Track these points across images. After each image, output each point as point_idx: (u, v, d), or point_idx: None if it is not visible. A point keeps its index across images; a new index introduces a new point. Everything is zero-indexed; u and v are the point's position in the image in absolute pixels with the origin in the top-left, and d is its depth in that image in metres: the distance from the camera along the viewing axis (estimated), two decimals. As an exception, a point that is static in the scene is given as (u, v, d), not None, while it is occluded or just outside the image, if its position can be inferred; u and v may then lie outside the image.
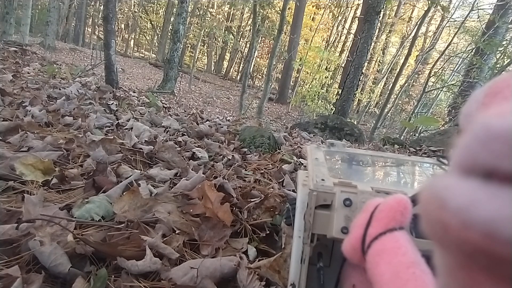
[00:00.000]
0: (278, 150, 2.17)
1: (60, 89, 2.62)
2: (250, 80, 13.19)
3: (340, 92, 6.45)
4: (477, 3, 7.93)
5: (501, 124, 0.13)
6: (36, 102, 1.96)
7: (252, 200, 1.18)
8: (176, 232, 0.89)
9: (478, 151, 0.13)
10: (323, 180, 0.53)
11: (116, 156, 1.35)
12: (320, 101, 10.80)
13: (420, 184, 0.69)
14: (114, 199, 0.97)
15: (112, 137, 1.45)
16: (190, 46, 17.71)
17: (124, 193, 0.98)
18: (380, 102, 13.24)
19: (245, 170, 1.66)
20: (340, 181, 0.52)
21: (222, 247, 0.90)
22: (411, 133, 7.14)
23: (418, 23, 8.49)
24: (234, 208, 1.11)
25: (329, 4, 15.68)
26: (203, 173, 1.31)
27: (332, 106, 9.41)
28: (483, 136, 0.13)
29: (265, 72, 10.04)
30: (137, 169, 1.34)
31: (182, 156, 1.57)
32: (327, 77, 13.30)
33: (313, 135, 4.27)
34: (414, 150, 3.92)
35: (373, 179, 0.75)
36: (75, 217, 0.85)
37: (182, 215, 1.00)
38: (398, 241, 0.30)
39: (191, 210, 1.04)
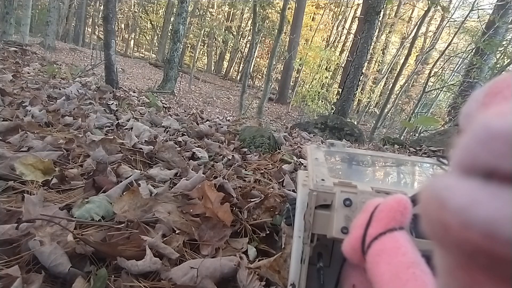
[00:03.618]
0: (278, 150, 2.17)
1: (60, 89, 2.62)
2: (250, 80, 13.19)
3: (340, 92, 6.45)
4: (477, 3, 7.93)
5: (501, 124, 0.13)
6: (36, 102, 1.96)
7: (252, 200, 1.18)
8: (176, 232, 0.89)
9: (478, 151, 0.13)
10: (323, 180, 0.53)
11: (116, 156, 1.35)
12: (320, 101, 10.80)
13: (420, 184, 0.69)
14: (114, 199, 0.97)
15: (112, 137, 1.45)
16: (190, 46, 17.71)
17: (124, 193, 0.98)
18: (380, 102, 13.22)
19: (245, 170, 1.66)
20: (340, 181, 0.52)
21: (222, 247, 0.90)
22: (411, 133, 7.14)
23: (418, 23, 8.48)
24: (234, 208, 1.11)
25: (329, 3, 15.68)
26: (203, 173, 1.31)
27: (332, 106, 9.41)
28: (483, 136, 0.13)
29: (265, 72, 10.03)
30: (137, 169, 1.34)
31: (182, 156, 1.57)
32: (327, 77, 13.30)
33: (313, 135, 4.27)
34: (414, 150, 3.92)
35: (373, 179, 0.75)
36: (75, 217, 0.85)
37: (182, 215, 1.00)
38: (398, 241, 0.30)
39: (191, 210, 1.04)
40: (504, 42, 7.17)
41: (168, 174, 1.32)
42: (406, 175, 0.80)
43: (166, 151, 1.49)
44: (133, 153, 1.45)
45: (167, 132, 2.12)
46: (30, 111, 1.74)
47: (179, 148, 1.75)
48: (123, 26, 20.35)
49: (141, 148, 1.49)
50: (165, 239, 0.85)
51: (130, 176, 1.17)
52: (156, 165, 1.42)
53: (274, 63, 8.71)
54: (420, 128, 7.10)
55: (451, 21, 10.28)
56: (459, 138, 0.15)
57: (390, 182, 0.76)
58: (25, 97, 2.08)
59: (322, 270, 0.51)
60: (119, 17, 18.03)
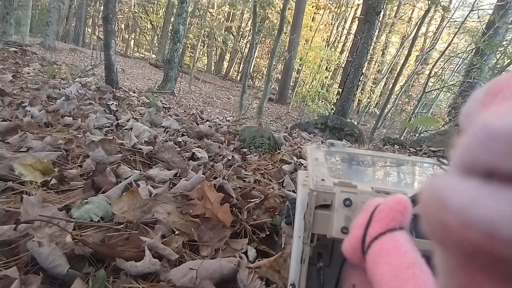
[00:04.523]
0: (278, 151, 2.17)
1: (59, 90, 2.62)
2: (250, 80, 13.19)
3: (340, 92, 6.45)
4: (477, 3, 7.93)
5: (501, 123, 0.13)
6: (35, 103, 1.96)
7: (252, 200, 1.17)
8: (176, 233, 0.88)
9: (478, 151, 0.13)
10: (323, 180, 0.53)
11: (115, 156, 1.34)
12: (320, 101, 10.80)
13: (420, 184, 0.69)
14: (114, 200, 0.97)
15: (111, 138, 1.45)
16: (190, 46, 17.71)
17: (123, 194, 0.98)
18: (380, 103, 13.23)
19: (245, 171, 1.66)
20: (340, 181, 0.52)
21: (221, 248, 0.90)
22: (411, 134, 7.14)
23: (418, 23, 8.48)
24: (234, 208, 1.10)
25: (329, 3, 15.69)
26: (202, 174, 1.31)
27: (332, 106, 9.42)
28: (483, 135, 0.13)
29: (265, 72, 10.03)
30: (136, 169, 1.34)
31: (182, 157, 1.57)
32: (327, 77, 13.30)
33: (313, 136, 4.27)
34: (414, 150, 3.91)
35: (373, 179, 0.75)
36: (74, 218, 0.84)
37: (181, 216, 1.00)
38: (398, 241, 0.30)
39: (191, 211, 1.04)
40: (504, 43, 7.17)
41: (167, 175, 1.32)
42: (406, 175, 0.79)
43: (166, 152, 1.49)
44: (133, 154, 1.45)
45: (167, 133, 2.12)
46: (29, 111, 1.73)
47: (179, 149, 1.75)
48: (123, 26, 20.37)
49: (140, 149, 1.49)
50: (164, 240, 0.84)
51: (129, 176, 1.16)
52: (155, 166, 1.42)
53: (274, 63, 8.71)
54: (420, 128, 7.10)
55: (451, 21, 10.28)
56: (459, 138, 0.15)
57: (390, 182, 0.76)
58: (24, 98, 2.07)
59: (322, 270, 0.51)
60: (119, 17, 18.05)
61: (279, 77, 13.56)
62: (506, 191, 0.12)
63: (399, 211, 0.32)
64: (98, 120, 1.92)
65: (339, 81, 12.34)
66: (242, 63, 18.88)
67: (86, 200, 0.93)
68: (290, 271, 0.55)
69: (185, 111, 4.17)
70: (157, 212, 0.94)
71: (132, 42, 20.78)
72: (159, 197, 1.08)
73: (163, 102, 4.65)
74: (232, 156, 1.79)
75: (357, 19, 13.39)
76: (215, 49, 19.54)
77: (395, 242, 0.30)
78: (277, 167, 1.80)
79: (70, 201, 0.96)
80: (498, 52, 6.84)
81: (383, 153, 0.90)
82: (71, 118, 1.85)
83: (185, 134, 2.15)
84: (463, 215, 0.13)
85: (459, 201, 0.13)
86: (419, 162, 0.81)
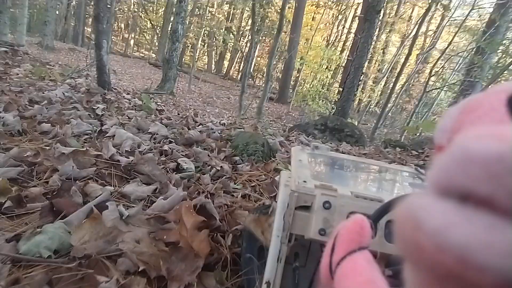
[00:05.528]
0: (273, 158, 2.04)
1: (44, 92, 2.49)
2: (250, 79, 13.06)
3: (340, 92, 6.34)
4: (478, 2, 7.80)
5: (479, 147, 0.13)
6: (11, 108, 1.83)
7: (238, 222, 1.05)
8: (140, 270, 0.76)
9: (455, 173, 0.13)
10: (305, 182, 0.55)
11: (88, 170, 1.22)
12: (321, 100, 10.68)
13: (398, 190, 0.72)
14: (74, 228, 0.84)
15: (85, 149, 1.32)
16: (190, 45, 17.58)
17: (84, 221, 0.85)
18: (381, 102, 13.10)
19: (235, 183, 1.53)
20: (321, 184, 0.54)
21: (193, 283, 0.77)
22: (412, 133, 7.03)
23: (419, 22, 8.34)
24: (216, 234, 0.98)
25: (329, 1, 15.55)
26: (187, 188, 1.19)
27: (332, 106, 9.32)
28: (461, 158, 0.13)
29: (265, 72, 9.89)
30: (111, 185, 1.21)
31: (165, 168, 1.44)
32: (328, 76, 13.16)
33: (313, 138, 4.15)
34: (417, 152, 3.81)
35: (354, 184, 0.77)
36: (21, 253, 0.72)
37: (153, 243, 0.87)
38: (356, 263, 0.30)
39: (165, 237, 0.91)
40: (505, 41, 7.04)
41: (145, 191, 1.19)
42: (385, 181, 0.82)
43: (146, 164, 1.36)
44: (109, 166, 1.32)
45: (153, 140, 1.99)
46: (2, 118, 1.61)
47: (164, 158, 1.62)
48: (122, 25, 20.25)
49: (118, 160, 1.36)
50: (125, 281, 0.71)
51: (99, 195, 1.04)
52: (133, 180, 1.29)
53: (274, 62, 8.58)
54: (421, 128, 6.98)
55: (451, 20, 10.14)
56: (437, 156, 0.15)
57: (369, 188, 0.78)
58: (1, 102, 1.95)
59: (297, 270, 0.54)
60: (119, 16, 17.93)
61: (280, 77, 13.42)
62: (481, 216, 0.12)
63: (356, 232, 0.31)
64: (79, 126, 1.80)
65: (339, 80, 12.21)
66: (242, 62, 18.73)
67: (39, 229, 0.80)
68: (266, 269, 0.56)
69: (179, 114, 4.04)
70: (122, 242, 0.82)
71: (131, 41, 20.64)
72: (131, 220, 0.96)
73: (158, 103, 4.51)
74: (221, 166, 1.66)
75: (357, 18, 13.24)
76: (215, 48, 19.40)
77: (354, 264, 0.30)
78: (270, 177, 1.67)
79: (23, 228, 0.83)
80: (499, 51, 6.72)
81: (365, 159, 0.94)
82: (49, 124, 1.73)
83: (173, 141, 2.02)
84: (438, 237, 0.13)
85: (434, 223, 0.13)
86: (399, 171, 0.83)
